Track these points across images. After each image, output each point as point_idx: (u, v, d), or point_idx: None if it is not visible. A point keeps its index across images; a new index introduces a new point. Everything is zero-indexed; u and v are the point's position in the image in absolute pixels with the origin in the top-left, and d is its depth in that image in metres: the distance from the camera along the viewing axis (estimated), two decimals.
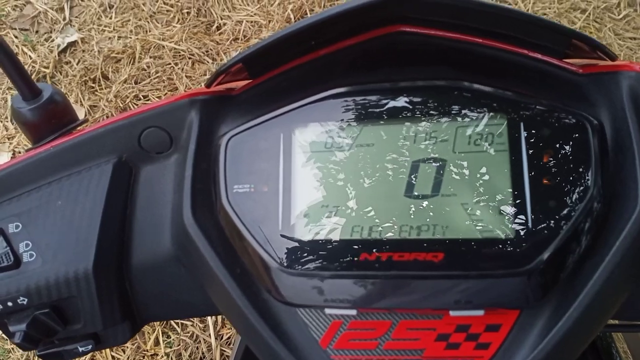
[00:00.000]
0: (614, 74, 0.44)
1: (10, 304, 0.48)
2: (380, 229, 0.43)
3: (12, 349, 1.75)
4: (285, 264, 0.44)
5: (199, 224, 0.45)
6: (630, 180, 0.41)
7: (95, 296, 0.48)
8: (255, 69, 0.49)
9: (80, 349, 0.52)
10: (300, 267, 0.44)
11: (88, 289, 0.48)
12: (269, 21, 2.33)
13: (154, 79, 2.22)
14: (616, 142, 0.42)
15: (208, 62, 2.27)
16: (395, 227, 0.43)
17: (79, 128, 0.54)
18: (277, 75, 0.49)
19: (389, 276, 0.42)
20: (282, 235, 0.44)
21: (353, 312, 0.43)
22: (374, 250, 0.43)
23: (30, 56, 2.25)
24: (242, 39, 2.31)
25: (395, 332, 0.43)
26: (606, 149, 0.42)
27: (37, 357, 1.69)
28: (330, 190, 0.44)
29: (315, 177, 0.45)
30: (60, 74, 2.24)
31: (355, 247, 0.43)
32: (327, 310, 0.44)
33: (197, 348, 1.76)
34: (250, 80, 0.50)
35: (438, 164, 0.43)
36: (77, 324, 0.50)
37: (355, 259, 0.43)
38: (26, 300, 0.48)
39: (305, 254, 0.44)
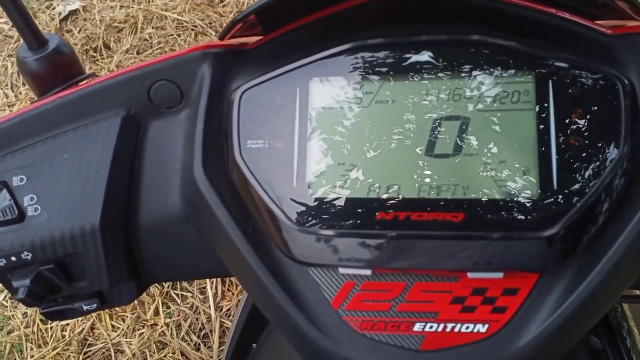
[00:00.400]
0: None
1: (14, 258, 0.47)
2: (398, 187, 0.42)
3: (12, 316, 1.75)
4: (298, 222, 0.43)
5: (210, 180, 0.44)
6: None
7: (101, 253, 0.47)
8: (269, 23, 0.47)
9: (85, 308, 0.51)
10: (314, 225, 0.42)
11: (94, 245, 0.47)
12: None
13: (156, 49, 2.19)
14: None
15: (211, 34, 2.23)
16: (415, 186, 0.42)
17: (86, 81, 0.53)
18: (292, 30, 0.47)
19: (407, 236, 0.41)
20: (296, 193, 0.43)
21: (367, 272, 0.42)
22: (392, 209, 0.41)
23: None
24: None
25: (410, 294, 0.42)
26: (637, 110, 0.41)
27: (38, 322, 1.69)
28: (347, 147, 0.43)
29: (331, 134, 0.43)
30: None
31: (372, 205, 0.42)
32: (341, 270, 0.43)
33: (197, 319, 1.76)
34: (264, 36, 0.48)
35: (461, 122, 0.42)
36: (82, 281, 0.49)
37: (372, 217, 0.42)
38: (30, 255, 0.47)
39: (320, 212, 0.43)
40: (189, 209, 0.47)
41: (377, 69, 0.43)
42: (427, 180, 0.42)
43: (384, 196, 0.42)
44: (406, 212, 0.41)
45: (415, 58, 0.43)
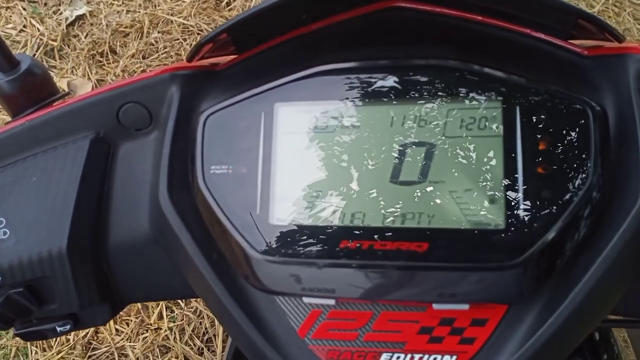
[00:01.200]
0: (621, 56, 0.41)
1: None
2: (362, 215, 0.41)
3: None
4: (262, 250, 0.42)
5: (175, 205, 0.43)
6: (633, 170, 0.38)
7: (69, 277, 0.47)
8: (242, 42, 0.46)
9: (59, 329, 0.51)
10: (277, 253, 0.42)
11: (62, 269, 0.46)
12: None
13: (162, 54, 2.19)
14: (619, 130, 0.40)
15: None
16: (379, 214, 0.41)
17: (58, 102, 0.52)
18: (264, 50, 0.46)
19: (370, 265, 0.40)
20: (260, 220, 0.42)
21: (331, 301, 0.41)
22: (355, 237, 0.41)
23: (38, 29, 2.23)
24: None
25: (377, 323, 0.41)
26: (608, 136, 0.39)
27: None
28: (311, 173, 0.42)
29: (296, 159, 0.43)
30: (68, 47, 2.22)
31: (336, 233, 0.41)
32: (304, 299, 0.42)
33: (200, 323, 1.76)
34: (237, 55, 0.48)
35: (427, 149, 0.41)
36: (52, 304, 0.49)
37: (336, 246, 0.41)
38: (0, 278, 0.47)
39: (283, 240, 0.42)
40: (157, 232, 0.47)
41: (342, 94, 0.42)
42: (392, 208, 0.41)
43: (348, 224, 0.41)
44: (370, 241, 0.40)
45: (380, 83, 0.42)
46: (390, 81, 0.42)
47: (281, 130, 0.43)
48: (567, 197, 0.38)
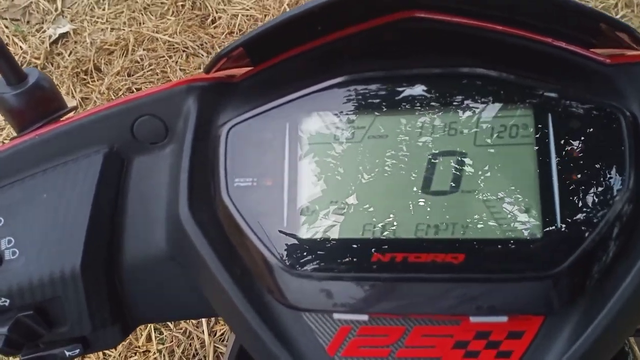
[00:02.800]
0: None
1: None
2: (394, 227, 0.40)
3: None
4: (290, 265, 0.40)
5: (196, 220, 0.42)
6: None
7: (83, 297, 0.45)
8: (258, 55, 0.45)
9: (67, 354, 0.48)
10: (306, 268, 0.40)
11: (75, 289, 0.44)
12: (265, 15, 2.29)
13: (148, 71, 2.17)
14: None
15: (203, 55, 2.22)
16: (411, 225, 0.40)
17: (67, 116, 0.51)
18: (282, 62, 0.46)
19: (404, 279, 0.39)
20: (287, 234, 0.41)
21: (364, 317, 0.40)
22: (388, 250, 0.39)
23: (21, 47, 2.20)
24: (237, 33, 2.27)
25: (409, 339, 0.40)
26: None
27: None
28: (340, 185, 0.41)
29: (323, 170, 0.41)
30: (52, 65, 2.19)
31: (367, 247, 0.40)
32: (336, 316, 0.40)
33: (190, 345, 1.72)
34: (252, 67, 0.47)
35: (458, 158, 0.40)
36: (63, 326, 0.46)
37: (367, 259, 0.39)
38: (8, 301, 0.44)
39: (312, 254, 0.40)
40: (175, 249, 0.45)
41: (369, 103, 0.41)
42: (424, 219, 0.40)
43: (380, 236, 0.40)
44: (403, 253, 0.39)
45: (408, 92, 0.41)
46: (419, 90, 0.41)
47: (307, 141, 0.42)
48: (603, 204, 0.38)
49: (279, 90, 0.43)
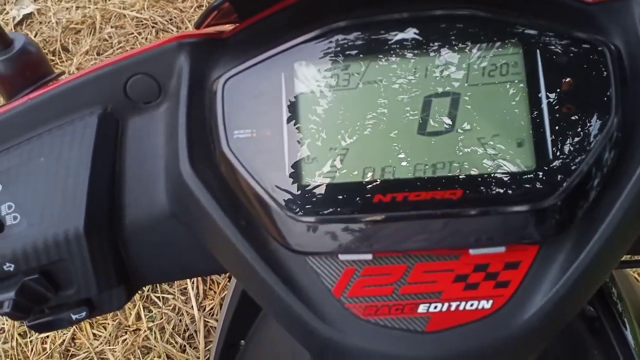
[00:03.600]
0: (625, 0, 0.42)
1: None
2: (393, 168, 0.41)
3: None
4: (293, 210, 0.41)
5: (198, 175, 0.42)
6: None
7: (88, 258, 0.45)
8: (245, 10, 0.45)
9: (74, 317, 0.49)
10: (309, 213, 0.41)
11: (80, 250, 0.45)
12: None
13: (117, 49, 2.13)
14: (632, 70, 0.41)
15: (172, 30, 2.19)
16: (410, 166, 0.41)
17: (57, 80, 0.50)
18: (270, 15, 0.46)
19: (406, 217, 0.40)
20: (289, 181, 0.42)
21: (368, 256, 0.41)
22: (389, 190, 0.41)
23: None
24: (206, 5, 2.23)
25: (412, 275, 0.42)
26: (625, 75, 0.41)
27: (16, 337, 1.64)
28: (338, 130, 0.42)
29: (321, 118, 0.42)
30: None
31: (368, 188, 0.41)
32: (341, 257, 0.42)
33: (180, 321, 1.74)
34: (240, 23, 0.47)
35: (451, 98, 0.41)
36: (69, 289, 0.47)
37: (369, 201, 0.41)
38: (13, 266, 0.45)
39: (314, 199, 0.41)
40: (177, 206, 0.45)
41: (362, 49, 0.42)
42: (422, 159, 0.41)
43: (380, 178, 0.41)
44: (403, 192, 0.40)
45: (400, 36, 0.42)
46: (410, 33, 0.42)
47: (303, 89, 0.42)
48: (592, 134, 0.40)
49: (271, 42, 0.44)
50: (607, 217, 0.39)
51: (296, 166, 0.42)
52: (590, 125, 0.40)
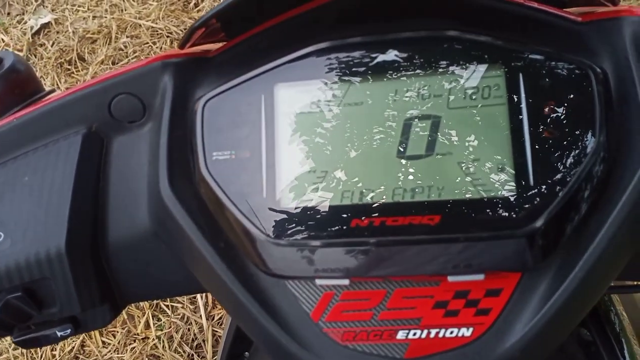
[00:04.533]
0: (616, 20, 0.41)
1: None
2: (371, 193, 0.40)
3: None
4: (271, 235, 0.41)
5: (177, 196, 0.42)
6: (635, 132, 0.39)
7: (69, 277, 0.45)
8: (233, 28, 0.45)
9: (59, 334, 0.49)
10: (288, 236, 0.41)
11: (62, 269, 0.45)
12: None
13: (132, 58, 2.16)
14: (619, 93, 0.40)
15: None
16: (388, 190, 0.40)
17: (45, 98, 0.51)
18: (256, 34, 0.46)
19: (383, 242, 0.40)
20: (267, 204, 0.42)
21: (345, 282, 0.41)
22: (366, 215, 0.40)
23: (2, 39, 2.18)
24: None
25: (391, 301, 0.41)
26: (610, 98, 0.40)
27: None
28: (317, 153, 0.41)
29: (300, 140, 0.42)
30: (35, 57, 2.17)
31: (346, 213, 0.40)
32: (318, 281, 0.41)
33: (189, 330, 1.74)
34: (228, 41, 0.47)
35: (432, 122, 0.40)
36: (52, 307, 0.47)
37: (346, 225, 0.40)
38: None
39: (293, 223, 0.41)
40: (158, 226, 0.45)
41: (342, 71, 0.42)
42: (401, 183, 0.40)
43: (358, 202, 0.40)
44: (381, 217, 0.40)
45: (381, 57, 0.41)
46: (392, 55, 0.41)
47: (282, 111, 0.42)
48: (575, 160, 0.39)
49: (253, 62, 0.44)
50: (592, 245, 0.38)
51: (273, 189, 0.42)
52: (574, 150, 0.39)
